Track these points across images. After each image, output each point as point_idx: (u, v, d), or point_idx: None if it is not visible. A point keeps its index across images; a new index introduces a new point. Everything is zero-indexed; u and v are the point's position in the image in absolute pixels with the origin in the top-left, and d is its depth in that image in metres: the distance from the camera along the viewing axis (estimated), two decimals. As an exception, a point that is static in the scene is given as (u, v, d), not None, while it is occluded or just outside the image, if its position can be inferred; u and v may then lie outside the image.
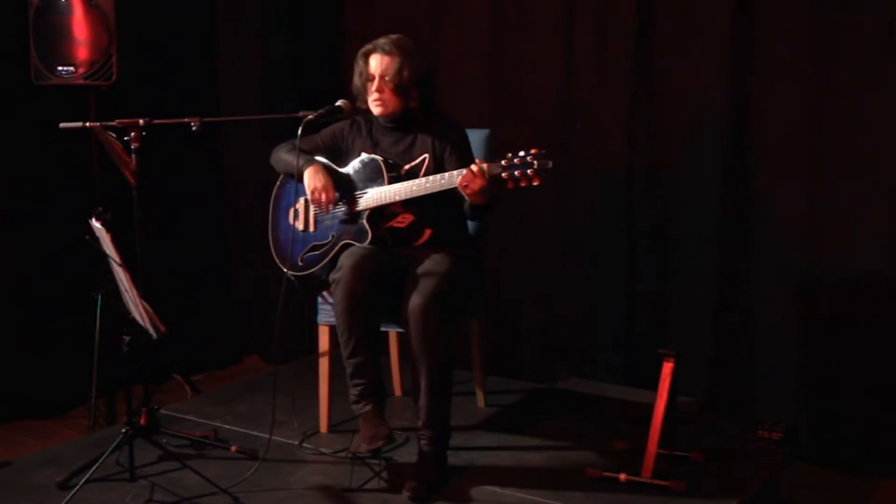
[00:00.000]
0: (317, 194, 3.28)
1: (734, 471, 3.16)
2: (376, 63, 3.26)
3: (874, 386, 3.61)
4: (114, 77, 3.83)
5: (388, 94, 3.27)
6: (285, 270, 3.33)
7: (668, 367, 3.10)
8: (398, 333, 3.79)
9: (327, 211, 3.32)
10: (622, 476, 3.05)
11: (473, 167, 3.02)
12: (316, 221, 3.39)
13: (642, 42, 3.96)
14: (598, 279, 4.17)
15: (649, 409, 3.12)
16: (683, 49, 3.89)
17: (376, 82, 3.26)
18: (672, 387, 3.10)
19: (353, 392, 3.18)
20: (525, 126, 4.23)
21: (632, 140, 4.03)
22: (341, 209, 3.32)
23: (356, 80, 3.34)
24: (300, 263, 3.38)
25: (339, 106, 3.29)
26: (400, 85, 3.24)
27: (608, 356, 4.18)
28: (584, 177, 4.15)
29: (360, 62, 3.31)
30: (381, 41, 3.27)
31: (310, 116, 3.19)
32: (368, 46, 3.30)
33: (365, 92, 3.31)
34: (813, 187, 3.69)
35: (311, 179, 3.29)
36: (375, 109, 3.31)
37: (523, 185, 3.00)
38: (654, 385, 3.13)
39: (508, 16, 4.26)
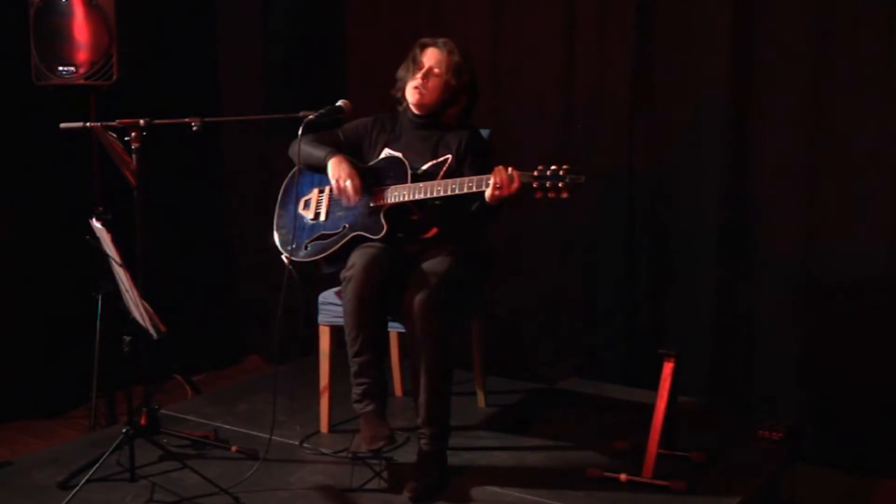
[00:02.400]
0: (342, 182, 3.25)
1: (734, 471, 3.17)
2: (433, 55, 3.31)
3: (874, 386, 3.61)
4: (114, 77, 3.83)
5: (431, 87, 3.30)
6: (283, 256, 3.31)
7: (668, 368, 3.10)
8: (399, 334, 3.78)
9: (353, 202, 3.27)
10: (623, 476, 3.05)
11: (512, 173, 3.04)
12: (328, 211, 3.37)
13: (643, 42, 3.96)
14: (599, 279, 4.16)
15: (649, 409, 3.12)
16: (684, 50, 3.89)
17: (424, 70, 3.30)
18: (672, 387, 3.10)
19: (356, 391, 3.18)
20: (525, 126, 4.23)
21: (632, 140, 4.03)
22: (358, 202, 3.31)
23: (402, 69, 3.38)
24: (305, 249, 3.36)
25: (339, 106, 3.29)
26: (453, 86, 3.29)
27: (608, 356, 4.18)
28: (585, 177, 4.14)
29: (416, 50, 3.36)
30: (442, 40, 3.34)
31: (310, 116, 3.19)
32: (428, 39, 3.36)
33: (408, 78, 3.34)
34: (813, 187, 3.68)
35: (335, 169, 3.27)
36: (413, 96, 3.32)
37: (552, 196, 3.03)
38: (654, 385, 3.14)
39: (508, 16, 4.26)
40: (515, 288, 4.34)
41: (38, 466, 3.23)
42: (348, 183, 3.24)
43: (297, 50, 4.77)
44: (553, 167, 3.02)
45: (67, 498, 2.91)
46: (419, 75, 3.31)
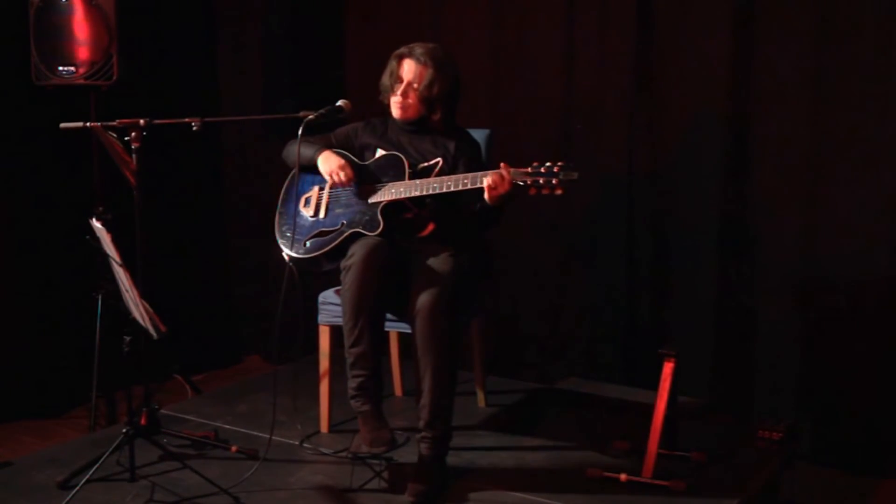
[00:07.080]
0: (335, 176, 3.29)
1: (734, 471, 3.17)
2: (408, 68, 3.29)
3: (874, 386, 3.61)
4: (114, 77, 3.83)
5: (412, 101, 3.30)
6: (284, 254, 3.32)
7: (668, 367, 3.11)
8: (399, 334, 3.79)
9: (348, 185, 3.31)
10: (623, 476, 3.05)
11: (503, 172, 3.05)
12: (328, 208, 3.38)
13: (643, 42, 3.96)
14: (599, 279, 4.17)
15: (649, 409, 3.12)
16: (684, 49, 3.89)
17: (403, 86, 3.30)
18: (672, 387, 3.10)
19: (352, 384, 3.16)
20: (525, 126, 4.23)
21: (632, 140, 4.04)
22: (355, 199, 3.32)
23: (385, 78, 3.36)
24: (305, 246, 3.37)
25: (339, 106, 3.29)
26: (428, 98, 3.28)
27: (608, 356, 4.18)
28: (585, 176, 4.11)
29: (392, 62, 3.34)
30: (418, 49, 3.30)
31: (310, 116, 3.20)
32: (404, 50, 3.33)
33: (390, 92, 3.34)
34: (813, 187, 3.69)
35: (326, 163, 3.31)
36: (395, 112, 3.34)
37: (545, 192, 3.03)
38: (654, 385, 3.14)
39: (508, 16, 4.26)
40: (515, 288, 4.34)
41: (38, 466, 3.23)
42: (341, 173, 3.28)
43: (297, 50, 4.78)
44: (548, 164, 3.03)
45: (67, 498, 2.91)
46: (399, 91, 3.31)
